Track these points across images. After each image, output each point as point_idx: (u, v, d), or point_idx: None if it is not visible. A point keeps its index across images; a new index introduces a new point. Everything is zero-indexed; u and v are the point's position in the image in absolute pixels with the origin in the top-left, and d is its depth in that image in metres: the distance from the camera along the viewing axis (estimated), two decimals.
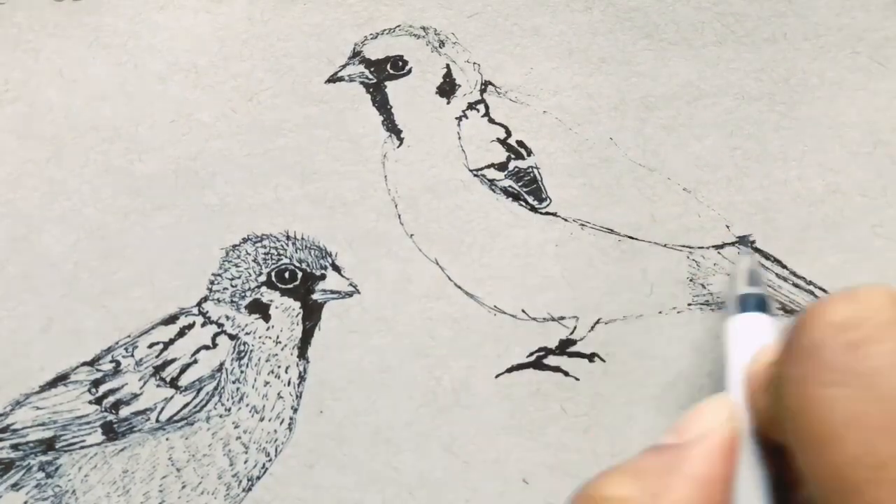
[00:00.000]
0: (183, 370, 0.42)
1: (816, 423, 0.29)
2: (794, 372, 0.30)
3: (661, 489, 0.33)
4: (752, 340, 0.37)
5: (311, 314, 0.42)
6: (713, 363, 0.42)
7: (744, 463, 0.35)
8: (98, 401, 0.42)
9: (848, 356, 0.29)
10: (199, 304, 0.42)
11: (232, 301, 0.42)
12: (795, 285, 0.43)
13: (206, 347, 0.42)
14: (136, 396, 0.42)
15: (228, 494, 0.42)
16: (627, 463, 0.34)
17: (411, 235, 0.43)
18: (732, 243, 0.43)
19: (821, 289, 0.43)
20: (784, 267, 0.43)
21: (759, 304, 0.39)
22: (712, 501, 0.33)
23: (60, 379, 0.42)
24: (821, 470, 0.29)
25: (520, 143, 0.43)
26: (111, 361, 0.42)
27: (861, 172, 0.43)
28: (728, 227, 0.43)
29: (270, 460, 0.42)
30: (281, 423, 0.42)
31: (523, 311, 0.43)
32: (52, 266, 0.42)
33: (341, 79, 0.43)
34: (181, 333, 0.42)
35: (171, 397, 0.42)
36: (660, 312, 0.43)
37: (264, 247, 0.43)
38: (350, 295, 0.43)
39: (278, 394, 0.42)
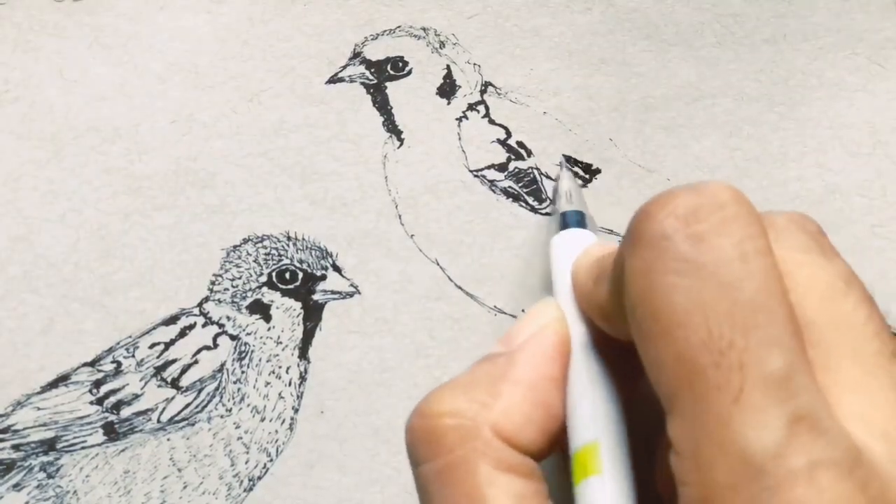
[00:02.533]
0: (184, 370, 0.42)
1: (660, 311, 0.29)
2: (637, 262, 0.30)
3: (488, 398, 0.34)
4: (576, 252, 0.38)
5: (312, 314, 0.42)
6: None
7: (576, 361, 0.35)
8: (99, 401, 0.42)
9: (692, 247, 0.29)
10: (199, 305, 0.42)
11: (233, 301, 0.42)
12: None
13: (207, 348, 0.42)
14: (137, 397, 0.42)
15: (230, 494, 0.42)
16: (458, 377, 0.35)
17: (412, 236, 0.43)
18: None
19: None
20: None
21: (579, 220, 0.40)
22: (542, 403, 0.34)
23: (61, 379, 0.42)
24: (663, 357, 0.29)
25: (520, 143, 0.43)
26: (112, 362, 0.42)
27: (860, 173, 0.43)
28: None
29: (271, 460, 0.42)
30: (282, 423, 0.42)
31: (523, 311, 0.43)
32: (53, 266, 0.42)
33: (342, 79, 0.43)
34: (182, 334, 0.42)
35: (173, 398, 0.42)
36: None
37: (265, 247, 0.43)
38: (351, 295, 0.43)
39: (279, 394, 0.42)
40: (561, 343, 0.35)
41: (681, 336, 0.29)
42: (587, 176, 0.43)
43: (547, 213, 0.43)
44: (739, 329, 0.28)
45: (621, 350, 0.35)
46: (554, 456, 0.35)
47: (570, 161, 0.43)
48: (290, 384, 0.42)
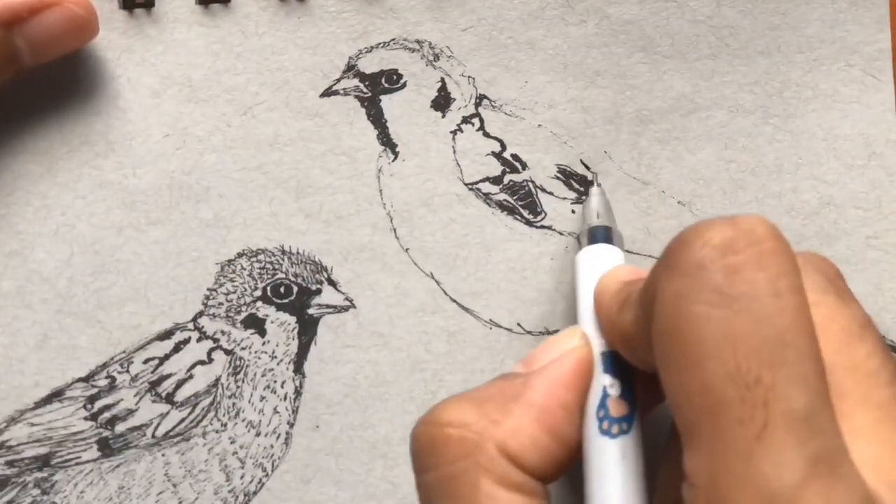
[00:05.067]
0: (179, 385, 0.42)
1: (690, 340, 0.29)
2: (670, 289, 0.30)
3: (498, 415, 0.34)
4: (602, 270, 0.38)
5: (307, 329, 0.42)
6: None
7: (595, 387, 0.35)
8: (93, 417, 0.42)
9: (727, 278, 0.29)
10: (194, 320, 0.42)
11: (227, 316, 0.42)
12: None
13: (202, 363, 0.42)
14: (131, 412, 0.42)
15: None
16: (472, 391, 0.35)
17: (406, 249, 0.43)
18: None
19: None
20: None
21: (607, 235, 0.40)
22: (552, 429, 0.34)
23: (55, 395, 0.42)
24: (688, 387, 0.29)
25: (515, 156, 0.43)
26: (106, 377, 0.42)
27: (855, 185, 0.43)
28: None
29: (267, 475, 0.42)
30: (277, 437, 0.42)
31: (519, 324, 0.43)
32: (46, 281, 0.42)
33: (336, 92, 0.43)
34: (177, 349, 0.42)
35: (167, 413, 0.42)
36: None
37: (259, 261, 0.42)
38: (346, 309, 0.43)
39: (274, 409, 0.42)
40: (581, 371, 0.35)
41: (708, 367, 0.29)
42: (582, 188, 0.43)
43: (543, 227, 0.43)
44: (767, 365, 0.28)
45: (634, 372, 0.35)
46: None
47: (566, 174, 0.43)
48: (285, 399, 0.42)
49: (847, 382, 0.30)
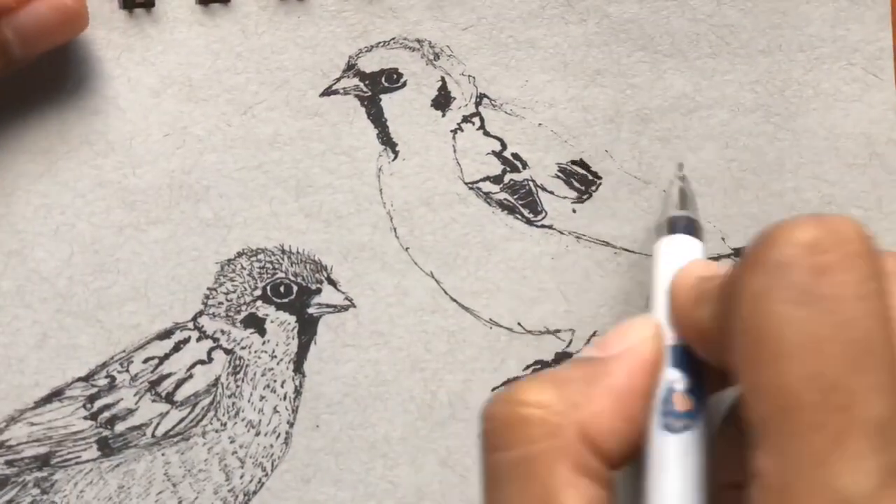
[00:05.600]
0: (178, 385, 0.42)
1: (771, 337, 0.29)
2: (754, 285, 0.30)
3: (580, 398, 0.33)
4: (680, 261, 0.37)
5: (307, 328, 0.42)
6: None
7: (665, 379, 0.35)
8: (93, 416, 0.42)
9: (813, 278, 0.29)
10: (194, 319, 0.42)
11: (227, 315, 0.42)
12: None
13: (202, 362, 0.42)
14: (131, 412, 0.42)
15: None
16: (550, 372, 0.35)
17: (406, 249, 0.43)
18: (728, 255, 0.43)
19: None
20: None
21: (688, 226, 0.39)
22: (629, 414, 0.34)
23: (55, 395, 0.42)
24: (765, 385, 0.29)
25: (515, 155, 0.43)
26: (106, 377, 0.42)
27: (856, 184, 0.43)
28: (724, 238, 0.43)
29: (267, 475, 0.42)
30: (277, 437, 0.42)
31: (519, 324, 0.43)
32: (46, 281, 0.42)
33: (336, 92, 0.43)
34: (176, 348, 0.42)
35: (167, 412, 0.42)
36: None
37: (259, 261, 0.42)
38: (345, 309, 0.42)
39: (274, 408, 0.42)
40: (657, 358, 0.35)
41: (788, 367, 0.28)
42: (582, 187, 0.43)
43: (543, 226, 0.43)
44: (849, 370, 0.28)
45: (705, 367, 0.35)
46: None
47: (566, 173, 0.43)
48: (285, 398, 0.42)
49: None
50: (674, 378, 0.35)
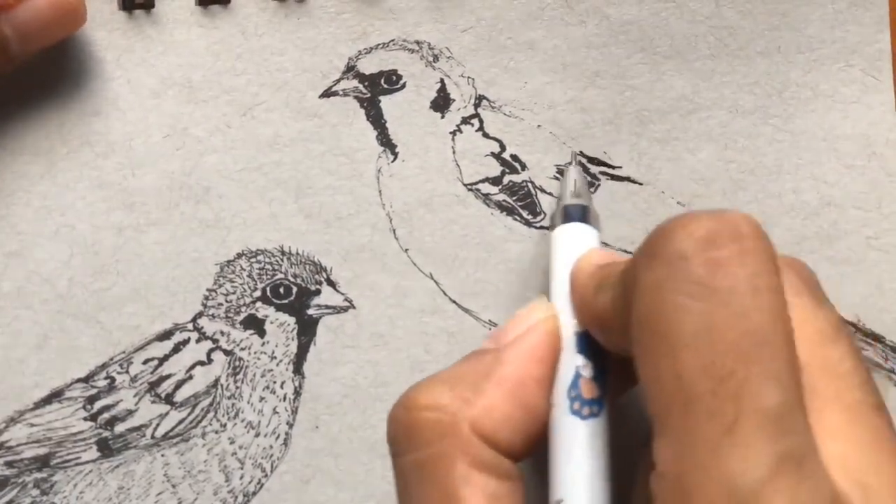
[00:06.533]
0: (178, 386, 0.42)
1: (667, 329, 0.29)
2: (651, 277, 0.30)
3: (472, 394, 0.34)
4: (577, 249, 0.38)
5: (306, 329, 0.42)
6: None
7: (564, 362, 0.35)
8: (93, 417, 0.42)
9: (708, 272, 0.29)
10: (193, 320, 0.42)
11: (227, 317, 0.42)
12: None
13: (202, 363, 0.42)
14: (131, 413, 0.42)
15: None
16: (444, 371, 0.35)
17: (406, 250, 0.43)
18: None
19: None
20: None
21: (582, 214, 0.39)
22: (525, 404, 0.34)
23: (55, 396, 0.42)
24: (662, 376, 0.29)
25: (514, 157, 0.43)
26: (106, 378, 0.42)
27: (855, 185, 0.43)
28: None
29: (266, 476, 0.42)
30: (276, 438, 0.42)
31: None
32: (46, 282, 0.42)
33: (335, 93, 0.43)
34: (176, 349, 0.42)
35: (167, 413, 0.42)
36: None
37: (259, 262, 0.42)
38: (345, 310, 0.43)
39: (274, 409, 0.42)
40: (550, 343, 0.35)
41: (683, 357, 0.29)
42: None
43: (542, 227, 0.43)
44: (742, 360, 0.28)
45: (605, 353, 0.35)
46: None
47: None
48: (284, 399, 0.42)
49: (819, 383, 0.30)
50: (580, 364, 0.35)
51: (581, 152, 0.43)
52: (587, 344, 0.35)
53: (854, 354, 0.32)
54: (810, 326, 0.31)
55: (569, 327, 0.36)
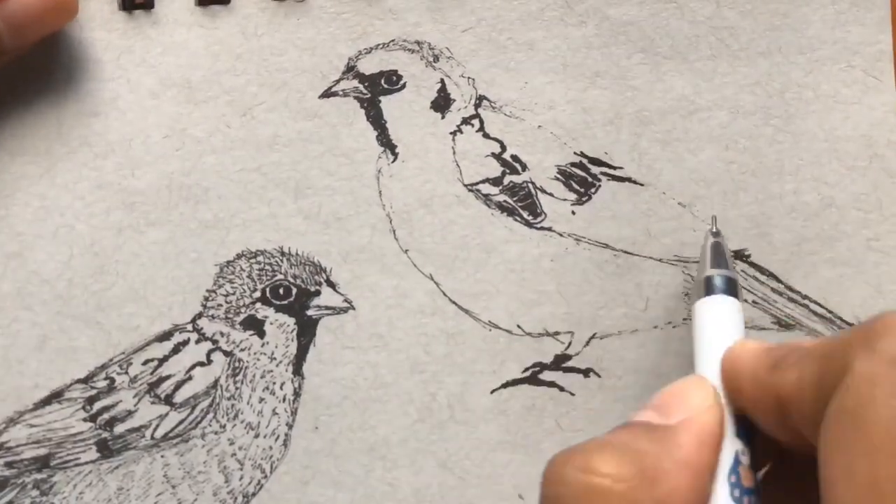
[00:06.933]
0: (178, 387, 0.42)
1: (876, 429, 0.29)
2: (866, 370, 0.29)
3: (656, 473, 0.32)
4: (720, 323, 0.37)
5: (306, 330, 0.42)
6: None
7: (726, 450, 0.34)
8: (92, 418, 0.42)
9: None
10: (193, 321, 0.42)
11: (226, 317, 0.42)
12: (791, 300, 0.43)
13: (201, 364, 0.42)
14: (130, 413, 0.42)
15: None
16: (613, 437, 0.33)
17: (406, 251, 0.43)
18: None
19: (816, 303, 0.43)
20: (779, 281, 0.43)
21: (725, 286, 0.38)
22: (701, 491, 0.33)
23: (54, 396, 0.42)
24: (858, 475, 0.28)
25: (514, 157, 0.43)
26: (105, 378, 0.42)
27: (856, 186, 0.43)
28: None
29: (266, 477, 0.42)
30: (276, 439, 0.42)
31: (518, 326, 0.43)
32: (46, 283, 0.42)
33: (335, 94, 0.43)
34: (176, 350, 0.42)
35: (166, 414, 0.42)
36: (655, 327, 0.43)
37: (258, 263, 0.42)
38: (345, 311, 0.42)
39: (273, 410, 0.42)
40: (719, 429, 0.34)
41: (883, 461, 0.28)
42: (582, 189, 0.43)
43: (543, 228, 0.43)
44: None
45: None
46: None
47: (565, 175, 0.43)
48: (284, 400, 0.42)
49: None
50: (739, 449, 0.34)
51: (582, 152, 0.43)
52: (742, 427, 0.34)
53: None
54: None
55: (726, 408, 0.34)
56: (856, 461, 0.29)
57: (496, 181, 0.43)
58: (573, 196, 0.43)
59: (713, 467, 0.33)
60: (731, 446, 0.34)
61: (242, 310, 0.42)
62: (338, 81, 0.43)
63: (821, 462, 0.30)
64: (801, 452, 0.32)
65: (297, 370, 0.42)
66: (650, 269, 0.43)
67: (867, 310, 0.43)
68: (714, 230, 0.41)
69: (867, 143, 0.43)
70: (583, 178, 0.43)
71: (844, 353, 0.30)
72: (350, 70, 0.43)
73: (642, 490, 0.32)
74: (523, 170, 0.43)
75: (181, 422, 0.42)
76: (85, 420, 0.42)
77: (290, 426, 0.42)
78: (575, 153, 0.43)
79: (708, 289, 0.38)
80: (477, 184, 0.43)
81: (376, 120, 0.43)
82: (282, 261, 0.42)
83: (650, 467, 0.32)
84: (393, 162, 0.43)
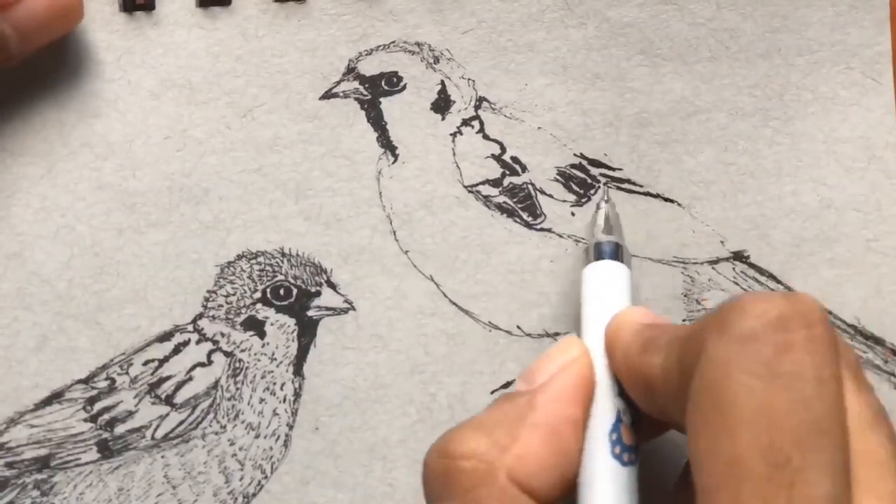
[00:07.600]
0: (178, 387, 0.42)
1: (729, 407, 0.29)
2: (720, 352, 0.30)
3: (508, 441, 0.34)
4: (608, 288, 0.38)
5: (307, 331, 0.42)
6: None
7: (602, 404, 0.35)
8: (93, 418, 0.42)
9: (777, 355, 0.30)
10: (194, 321, 0.42)
11: (227, 318, 0.42)
12: None
13: (202, 364, 0.42)
14: (131, 414, 0.42)
15: None
16: (478, 416, 0.35)
17: (406, 252, 0.43)
18: (727, 259, 0.43)
19: None
20: (779, 282, 0.43)
21: (613, 252, 0.39)
22: (560, 449, 0.34)
23: (55, 397, 0.42)
24: (718, 452, 0.29)
25: (514, 159, 0.43)
26: (106, 379, 0.42)
27: (855, 187, 0.43)
28: (722, 242, 0.43)
29: (266, 477, 0.42)
30: (276, 439, 0.42)
31: (518, 327, 0.43)
32: (46, 283, 0.42)
33: (336, 95, 0.43)
34: (176, 350, 0.42)
35: (167, 414, 0.42)
36: None
37: (259, 263, 0.42)
38: (345, 311, 0.43)
39: (273, 411, 0.42)
40: (584, 384, 0.35)
41: (742, 437, 0.29)
42: (581, 191, 0.43)
43: (542, 229, 0.43)
44: (800, 448, 0.28)
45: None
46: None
47: (565, 176, 0.43)
48: (284, 400, 0.42)
49: (858, 471, 0.30)
50: (621, 408, 0.35)
51: (581, 154, 0.43)
52: (623, 390, 0.35)
53: (891, 441, 0.32)
54: (852, 412, 0.31)
55: (603, 367, 0.36)
56: (718, 440, 0.29)
57: (496, 182, 0.43)
58: (573, 197, 0.43)
59: (578, 423, 0.35)
60: (613, 405, 0.35)
61: (243, 310, 0.42)
62: (338, 83, 0.43)
63: (688, 443, 0.30)
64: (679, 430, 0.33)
65: (298, 371, 0.42)
66: (649, 270, 0.43)
67: (867, 310, 0.43)
68: (606, 199, 0.42)
69: (866, 145, 0.43)
70: (582, 180, 0.43)
71: (701, 336, 0.31)
72: (350, 71, 0.43)
73: (493, 460, 0.33)
74: (523, 171, 0.43)
75: (182, 422, 0.42)
76: (85, 420, 0.42)
77: (290, 427, 0.42)
78: (574, 155, 0.43)
79: (597, 254, 0.39)
80: (477, 185, 0.43)
81: (376, 121, 0.43)
82: (282, 261, 0.42)
83: (502, 436, 0.34)
84: (393, 163, 0.43)
